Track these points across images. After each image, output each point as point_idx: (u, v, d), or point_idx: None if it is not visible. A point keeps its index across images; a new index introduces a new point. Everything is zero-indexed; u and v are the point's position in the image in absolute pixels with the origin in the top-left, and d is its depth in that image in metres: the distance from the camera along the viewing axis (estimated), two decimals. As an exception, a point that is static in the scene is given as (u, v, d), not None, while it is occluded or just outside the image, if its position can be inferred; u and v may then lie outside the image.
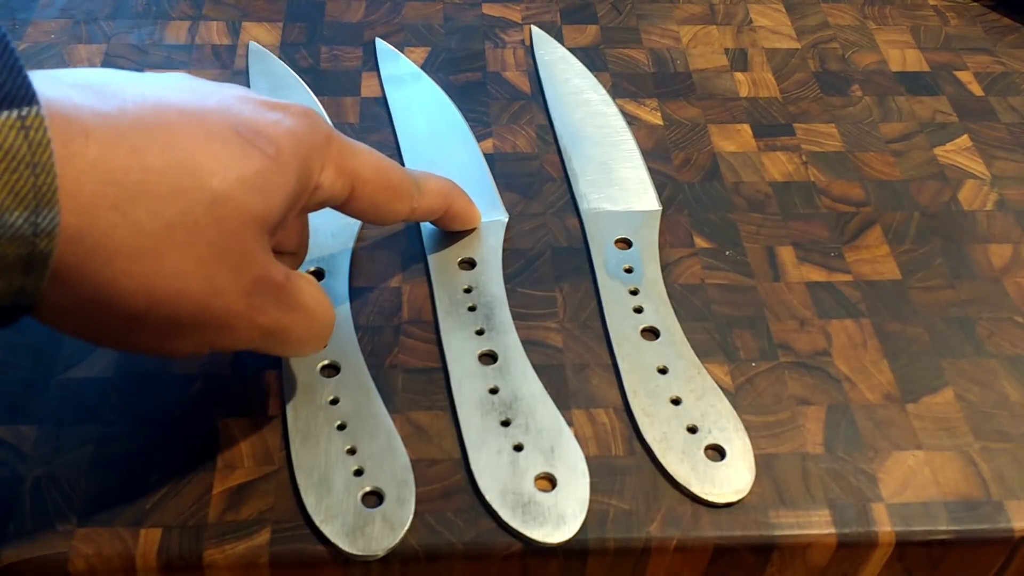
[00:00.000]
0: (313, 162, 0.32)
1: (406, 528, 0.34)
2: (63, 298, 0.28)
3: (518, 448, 0.36)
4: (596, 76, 0.53)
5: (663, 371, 0.39)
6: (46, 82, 0.26)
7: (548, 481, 0.35)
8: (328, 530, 0.34)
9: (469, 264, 0.43)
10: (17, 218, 0.25)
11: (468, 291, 0.41)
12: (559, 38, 0.55)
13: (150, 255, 0.28)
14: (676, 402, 0.38)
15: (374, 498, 0.35)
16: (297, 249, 0.38)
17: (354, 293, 0.41)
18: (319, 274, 0.42)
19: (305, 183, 0.32)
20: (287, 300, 0.32)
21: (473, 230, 0.44)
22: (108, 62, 0.52)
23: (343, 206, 0.35)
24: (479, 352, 0.39)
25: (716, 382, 0.39)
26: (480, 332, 0.40)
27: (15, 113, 0.25)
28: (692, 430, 0.37)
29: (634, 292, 0.42)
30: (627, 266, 0.43)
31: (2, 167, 0.25)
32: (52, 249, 0.26)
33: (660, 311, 0.41)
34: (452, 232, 0.43)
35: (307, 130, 0.32)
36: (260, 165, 0.30)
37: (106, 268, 0.27)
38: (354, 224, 0.44)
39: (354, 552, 0.33)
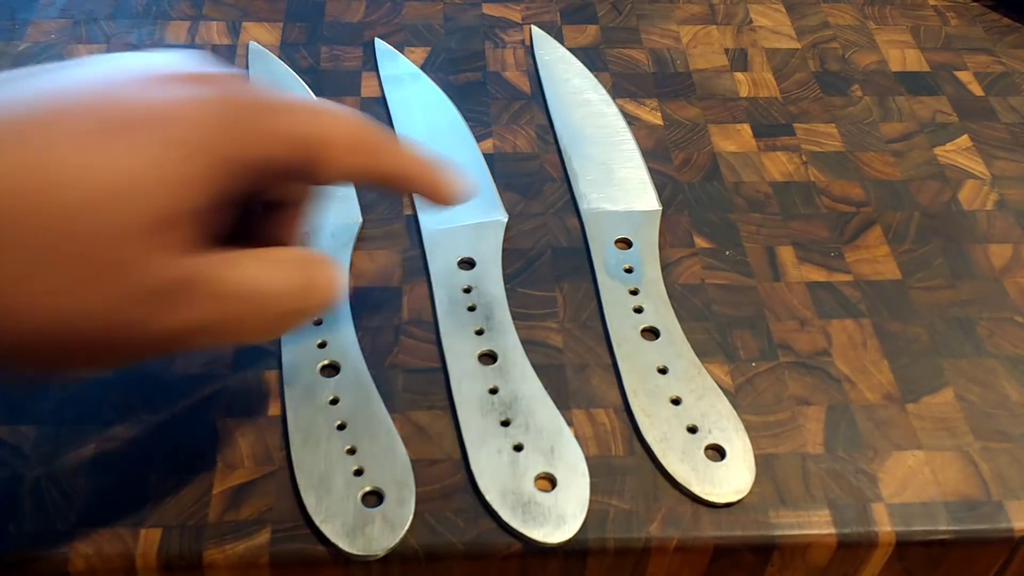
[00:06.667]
0: (242, 140, 0.28)
1: (406, 528, 0.34)
2: None
3: (518, 448, 0.36)
4: (596, 76, 0.53)
5: (663, 371, 0.39)
6: None
7: (548, 481, 0.35)
8: (328, 530, 0.34)
9: (469, 264, 0.43)
10: None
11: (468, 291, 0.41)
12: (559, 38, 0.55)
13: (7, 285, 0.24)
14: (676, 402, 0.38)
15: (374, 498, 0.35)
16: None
17: (354, 293, 0.41)
18: (319, 274, 0.42)
19: (233, 164, 0.28)
20: (204, 293, 0.27)
21: (474, 231, 0.44)
22: (108, 62, 0.52)
23: (315, 177, 0.30)
24: (479, 352, 0.39)
25: (716, 382, 0.39)
26: (480, 332, 0.40)
27: None
28: (692, 430, 0.37)
29: (634, 292, 0.42)
30: (627, 266, 0.43)
31: None
32: None
33: (660, 311, 0.41)
34: (452, 232, 0.43)
35: (228, 106, 0.28)
36: (151, 159, 0.26)
37: None
38: (354, 224, 0.44)
39: (354, 552, 0.33)
